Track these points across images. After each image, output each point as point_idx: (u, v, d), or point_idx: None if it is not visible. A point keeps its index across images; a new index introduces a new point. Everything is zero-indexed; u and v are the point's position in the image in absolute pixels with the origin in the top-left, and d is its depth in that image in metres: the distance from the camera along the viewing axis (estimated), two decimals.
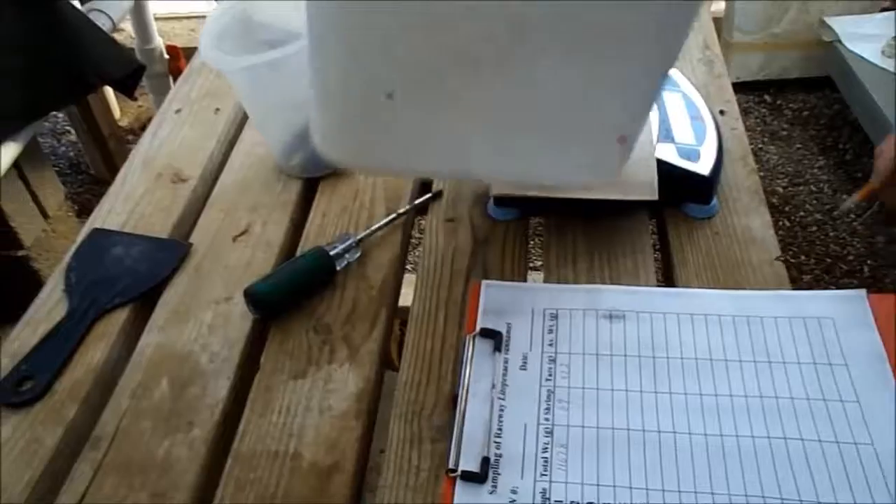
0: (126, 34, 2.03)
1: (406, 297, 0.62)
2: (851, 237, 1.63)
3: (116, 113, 2.13)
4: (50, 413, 0.56)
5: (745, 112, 1.94)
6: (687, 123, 0.66)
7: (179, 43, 2.15)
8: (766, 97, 1.97)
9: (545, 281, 0.61)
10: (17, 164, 1.38)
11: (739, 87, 1.99)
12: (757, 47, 1.95)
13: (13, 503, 0.50)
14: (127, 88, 1.56)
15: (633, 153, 0.61)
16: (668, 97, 0.69)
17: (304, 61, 0.41)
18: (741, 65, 1.97)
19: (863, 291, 0.54)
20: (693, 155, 0.64)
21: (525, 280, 0.61)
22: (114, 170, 1.98)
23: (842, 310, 0.54)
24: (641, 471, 0.46)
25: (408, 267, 0.68)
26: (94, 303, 0.63)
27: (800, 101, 1.95)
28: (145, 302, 0.64)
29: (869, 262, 1.58)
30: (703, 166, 0.63)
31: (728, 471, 0.46)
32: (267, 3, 0.67)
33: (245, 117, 0.82)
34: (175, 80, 2.04)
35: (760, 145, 1.84)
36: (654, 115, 0.66)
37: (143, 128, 2.21)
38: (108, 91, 2.00)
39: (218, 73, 0.88)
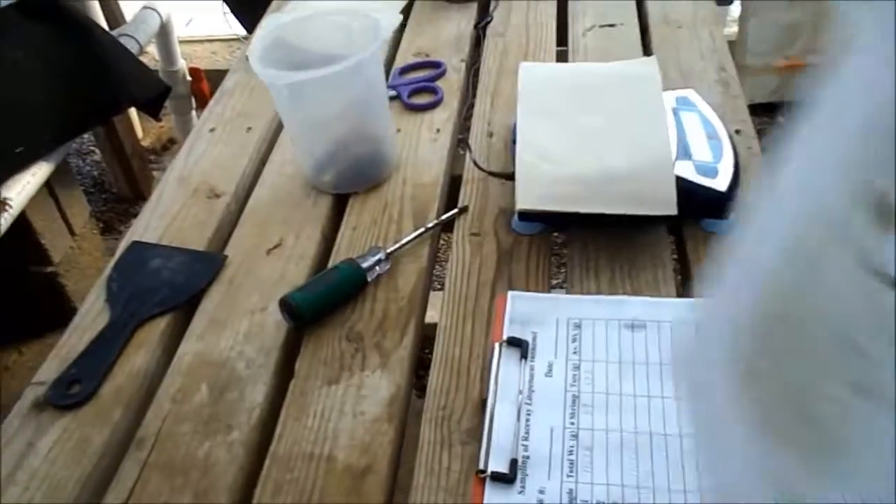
0: (150, 56, 2.08)
1: (430, 317, 0.65)
2: None
3: (139, 133, 2.17)
4: (97, 415, 0.58)
5: (759, 133, 1.95)
6: (704, 142, 0.69)
7: (201, 65, 2.21)
8: (781, 119, 2.00)
9: (568, 292, 0.63)
10: (47, 183, 1.42)
11: (753, 109, 2.02)
12: (772, 70, 1.98)
13: (66, 501, 0.52)
14: (153, 110, 1.61)
15: (652, 170, 0.64)
16: (686, 117, 0.72)
17: (344, 82, 0.43)
18: (756, 87, 1.99)
19: None
20: (710, 172, 0.66)
21: (548, 292, 0.64)
22: (136, 188, 2.05)
23: None
24: (664, 472, 0.48)
25: (434, 284, 0.70)
26: (135, 312, 0.66)
27: None
28: (183, 312, 0.66)
29: None
30: (721, 183, 0.65)
31: None
32: (305, 27, 0.71)
33: (276, 136, 0.85)
34: (197, 100, 2.10)
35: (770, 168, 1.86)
36: (672, 134, 0.68)
37: (165, 147, 2.28)
38: (132, 111, 2.05)
39: (250, 93, 0.91)
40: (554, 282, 0.67)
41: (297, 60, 0.68)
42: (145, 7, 1.89)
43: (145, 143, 2.23)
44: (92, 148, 2.20)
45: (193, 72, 2.09)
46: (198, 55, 2.44)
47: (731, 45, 2.08)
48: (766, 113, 2.01)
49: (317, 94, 0.68)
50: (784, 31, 1.93)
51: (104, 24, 1.83)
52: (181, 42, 2.09)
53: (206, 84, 2.11)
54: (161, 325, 0.65)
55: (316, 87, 0.66)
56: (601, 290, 0.63)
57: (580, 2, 1.03)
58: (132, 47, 1.67)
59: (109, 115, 1.67)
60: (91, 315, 0.66)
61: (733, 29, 2.07)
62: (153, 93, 1.55)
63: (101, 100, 1.40)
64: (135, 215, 2.02)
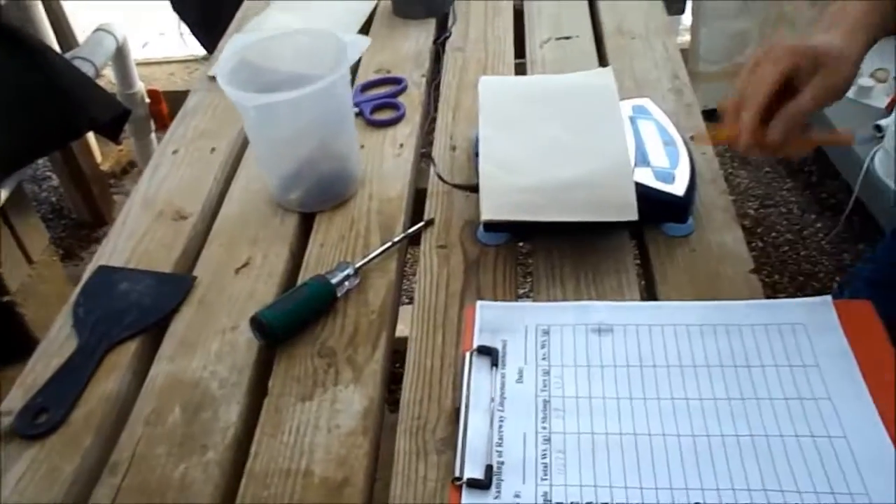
0: (105, 79, 2.06)
1: (400, 331, 0.66)
2: (821, 255, 1.69)
3: (98, 157, 2.15)
4: (67, 443, 0.58)
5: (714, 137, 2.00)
6: (661, 149, 0.71)
7: (160, 87, 2.19)
8: None
9: (535, 300, 0.65)
10: (2, 211, 1.40)
11: (709, 115, 2.07)
12: (722, 76, 2.03)
13: None
14: (113, 133, 1.59)
15: (612, 177, 0.66)
16: (643, 125, 0.74)
17: (314, 102, 0.44)
18: (708, 93, 2.04)
19: (828, 298, 0.59)
20: (668, 178, 0.68)
21: (516, 301, 0.65)
22: (97, 213, 2.02)
23: (811, 316, 0.58)
24: (635, 471, 0.49)
25: (403, 299, 0.71)
26: (104, 336, 0.65)
27: None
28: (153, 334, 0.66)
29: (837, 278, 1.64)
30: (678, 188, 0.67)
31: (715, 467, 0.49)
32: (270, 48, 0.72)
33: (240, 156, 0.85)
34: (156, 122, 2.08)
35: (731, 170, 1.91)
36: (630, 142, 0.70)
37: (125, 171, 2.25)
38: (90, 135, 2.03)
39: (212, 114, 0.91)
40: (521, 291, 0.68)
41: (264, 81, 0.68)
42: (99, 29, 1.88)
43: (104, 166, 2.20)
44: (49, 174, 2.17)
45: (152, 94, 2.07)
46: (155, 77, 2.42)
47: (684, 53, 2.12)
48: (715, 117, 2.07)
49: (286, 115, 0.68)
50: (733, 38, 1.98)
51: (56, 48, 1.81)
52: (138, 64, 2.08)
53: (165, 106, 2.10)
54: (131, 348, 0.65)
55: (286, 108, 0.67)
56: (567, 297, 0.64)
57: (536, 16, 1.05)
58: (88, 70, 1.65)
59: (68, 139, 1.65)
60: (58, 341, 0.66)
61: (685, 37, 2.12)
62: (112, 116, 1.54)
63: (59, 124, 1.38)
64: (96, 240, 1.99)
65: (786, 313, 0.58)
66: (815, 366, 0.55)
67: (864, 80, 1.76)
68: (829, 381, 0.53)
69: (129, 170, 2.23)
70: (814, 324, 0.57)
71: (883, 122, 1.56)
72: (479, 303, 0.62)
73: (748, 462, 0.49)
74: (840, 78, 0.59)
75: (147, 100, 2.05)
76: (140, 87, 2.04)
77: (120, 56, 1.92)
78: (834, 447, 0.49)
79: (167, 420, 0.58)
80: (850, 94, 1.77)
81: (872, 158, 1.48)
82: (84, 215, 2.02)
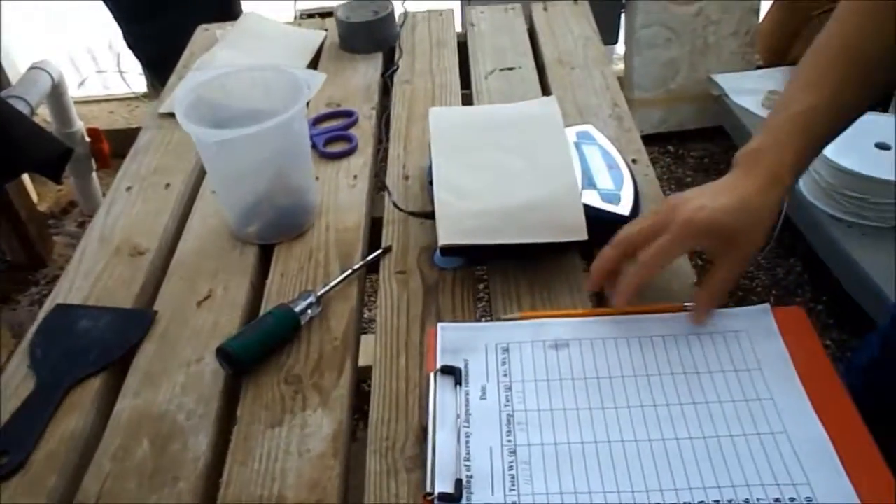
0: (40, 118, 2.02)
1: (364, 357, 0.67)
2: (757, 271, 1.77)
3: (34, 197, 2.10)
4: (29, 485, 0.57)
5: (652, 162, 2.07)
6: (606, 172, 0.75)
7: (100, 125, 2.16)
8: (670, 147, 2.14)
9: (493, 320, 0.67)
10: None
11: (645, 140, 2.14)
12: (656, 103, 2.13)
13: None
14: (54, 173, 1.57)
15: (562, 200, 0.69)
16: (587, 149, 0.78)
17: (272, 137, 0.46)
18: (644, 119, 2.13)
19: (767, 306, 0.63)
20: (614, 199, 0.72)
21: (475, 322, 0.67)
22: (34, 255, 1.97)
23: (752, 323, 0.62)
24: (598, 477, 0.52)
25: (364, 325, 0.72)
26: (64, 374, 0.65)
27: (699, 150, 2.12)
28: (117, 370, 0.66)
29: (774, 291, 1.72)
30: (624, 208, 0.71)
31: (672, 469, 0.52)
32: (225, 84, 0.73)
33: (196, 191, 0.86)
34: (97, 161, 2.05)
35: (668, 191, 1.97)
36: (577, 166, 0.74)
37: (65, 211, 2.20)
38: (24, 175, 1.99)
39: (165, 150, 0.92)
40: (479, 312, 0.70)
41: (220, 117, 0.70)
42: (34, 67, 1.85)
43: (42, 207, 2.16)
44: None
45: (92, 132, 2.04)
46: (95, 115, 2.39)
47: (619, 80, 2.22)
48: (656, 143, 2.15)
49: (245, 150, 0.70)
50: (664, 66, 2.07)
51: None
52: (76, 102, 2.05)
53: (106, 144, 2.07)
54: (94, 385, 0.64)
55: (245, 143, 0.68)
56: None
57: (479, 48, 1.10)
58: (22, 109, 1.63)
59: (5, 180, 1.62)
60: (14, 384, 0.65)
61: (620, 66, 2.21)
62: (53, 155, 1.52)
63: None
64: (34, 283, 1.94)
65: (729, 322, 0.62)
66: (757, 369, 0.58)
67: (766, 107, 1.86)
68: (770, 383, 0.57)
69: (69, 210, 2.19)
70: (755, 330, 0.61)
71: None
72: (439, 325, 0.64)
73: (702, 462, 0.52)
74: (751, 249, 0.59)
75: (87, 138, 2.03)
76: (80, 125, 2.01)
77: (56, 94, 1.90)
78: (777, 442, 0.53)
79: (135, 454, 0.58)
80: (760, 112, 1.88)
81: None
82: (20, 258, 1.97)
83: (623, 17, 2.08)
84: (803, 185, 1.62)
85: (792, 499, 0.49)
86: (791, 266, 1.77)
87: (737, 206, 0.58)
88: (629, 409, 0.56)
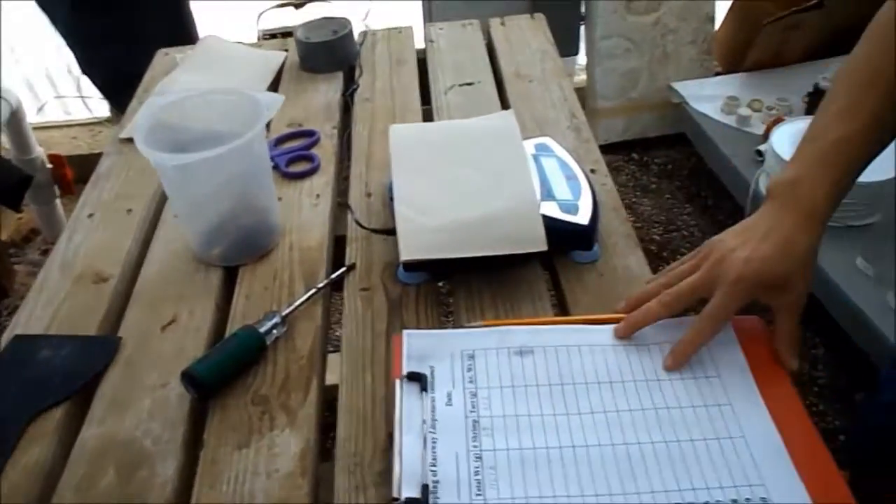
0: None
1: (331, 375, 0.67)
2: None
3: None
4: None
5: (616, 170, 2.12)
6: (564, 183, 0.76)
7: (62, 151, 2.14)
8: (634, 155, 2.17)
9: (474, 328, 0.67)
10: None
11: (609, 148, 2.19)
12: (619, 111, 2.16)
13: None
14: (12, 201, 1.55)
15: (520, 212, 0.70)
16: (545, 161, 0.79)
17: (232, 160, 0.46)
18: (608, 128, 2.16)
19: None
20: (573, 209, 0.73)
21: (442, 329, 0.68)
22: None
23: None
24: (562, 482, 0.53)
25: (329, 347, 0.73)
26: (24, 406, 0.64)
27: (663, 157, 2.16)
28: (80, 399, 0.66)
29: None
30: (583, 217, 0.72)
31: (634, 473, 0.53)
32: (185, 108, 0.74)
33: (158, 215, 0.86)
34: (61, 188, 2.03)
35: (634, 199, 2.01)
36: (535, 178, 0.75)
37: (27, 239, 2.17)
38: None
39: (126, 175, 0.92)
40: (444, 326, 0.71)
41: (181, 140, 0.70)
42: None
43: (3, 236, 2.12)
44: None
45: (54, 158, 2.02)
46: (57, 141, 2.36)
47: (581, 91, 2.25)
48: (620, 151, 2.19)
49: (206, 173, 0.70)
50: (625, 76, 2.11)
51: None
52: (36, 128, 2.03)
53: (69, 170, 2.05)
54: (57, 415, 0.64)
55: (205, 167, 0.69)
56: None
57: (439, 64, 1.11)
58: None
59: None
60: None
61: (582, 77, 2.24)
62: (10, 183, 1.50)
63: None
64: None
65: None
66: (716, 376, 0.60)
67: (742, 110, 1.90)
68: (728, 389, 0.59)
69: (31, 238, 2.16)
70: (714, 339, 0.62)
71: (762, 147, 1.69)
72: (405, 332, 0.65)
73: (663, 466, 0.53)
74: (803, 290, 0.58)
75: (49, 165, 2.00)
76: (39, 152, 1.98)
77: (14, 121, 1.87)
78: (735, 447, 0.54)
79: (100, 483, 0.58)
80: (732, 122, 1.91)
81: (757, 181, 1.60)
82: None
83: (583, 28, 2.12)
84: (762, 185, 1.65)
85: (748, 499, 0.51)
86: None
87: (781, 252, 0.58)
88: (592, 414, 0.57)
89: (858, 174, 0.60)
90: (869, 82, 0.60)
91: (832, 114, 0.61)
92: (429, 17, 2.04)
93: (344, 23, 1.12)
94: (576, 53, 2.18)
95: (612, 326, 0.64)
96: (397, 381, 0.60)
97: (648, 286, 0.64)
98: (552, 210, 0.73)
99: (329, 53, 1.11)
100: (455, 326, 0.68)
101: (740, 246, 0.59)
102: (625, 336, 0.63)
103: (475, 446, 0.55)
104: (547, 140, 0.85)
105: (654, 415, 0.57)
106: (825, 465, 0.53)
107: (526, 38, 1.16)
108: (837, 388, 1.52)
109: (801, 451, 0.53)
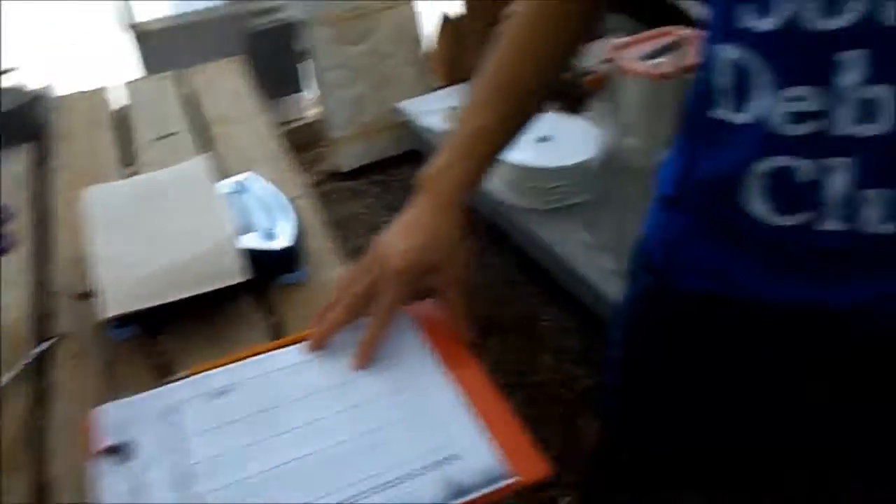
0: None
1: None
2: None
3: None
4: None
5: (361, 194, 2.19)
6: (262, 213, 0.80)
7: None
8: (376, 177, 2.26)
9: (183, 379, 0.67)
10: None
11: (352, 174, 2.26)
12: (355, 138, 2.24)
13: None
14: None
15: (216, 249, 0.73)
16: (245, 197, 0.82)
17: None
18: (347, 155, 2.24)
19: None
20: (272, 237, 0.77)
21: (165, 382, 0.67)
22: None
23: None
24: (283, 498, 0.55)
25: None
26: None
27: (403, 174, 2.26)
28: None
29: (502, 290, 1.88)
30: (281, 242, 0.76)
31: (346, 467, 0.56)
32: None
33: None
34: None
35: (381, 219, 2.10)
36: (228, 216, 0.77)
37: None
38: None
39: None
40: (171, 376, 0.71)
41: None
42: None
43: None
44: None
45: None
46: None
47: (319, 123, 2.31)
48: (362, 175, 2.27)
49: None
50: (354, 103, 2.20)
51: None
52: None
53: None
54: None
55: None
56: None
57: (137, 119, 1.10)
58: None
59: None
60: None
61: (319, 109, 2.31)
62: None
63: None
64: None
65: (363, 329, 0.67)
66: (401, 362, 0.65)
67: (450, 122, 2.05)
68: (415, 371, 0.64)
69: None
70: (395, 329, 0.66)
71: None
72: (96, 409, 0.62)
73: (368, 454, 0.57)
74: (459, 269, 0.65)
75: None
76: None
77: None
78: (427, 418, 0.60)
79: None
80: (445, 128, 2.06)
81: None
82: None
83: (306, 66, 2.18)
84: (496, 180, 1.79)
85: (444, 458, 0.56)
86: (507, 259, 1.95)
87: (432, 239, 0.64)
88: (302, 427, 0.60)
89: (494, 161, 0.69)
90: (499, 86, 0.68)
91: (469, 110, 0.69)
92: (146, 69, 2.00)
93: (25, 93, 1.08)
94: (300, 91, 2.24)
95: (298, 346, 0.67)
96: (91, 463, 0.58)
97: (334, 295, 0.68)
98: (252, 241, 0.76)
99: (17, 124, 1.05)
100: (163, 381, 0.67)
101: (399, 240, 0.65)
102: (317, 348, 0.66)
103: (196, 493, 0.56)
104: (249, 175, 0.88)
105: (356, 412, 0.61)
106: (505, 417, 0.60)
107: (224, 82, 1.19)
108: (583, 352, 1.70)
109: (484, 406, 0.60)
